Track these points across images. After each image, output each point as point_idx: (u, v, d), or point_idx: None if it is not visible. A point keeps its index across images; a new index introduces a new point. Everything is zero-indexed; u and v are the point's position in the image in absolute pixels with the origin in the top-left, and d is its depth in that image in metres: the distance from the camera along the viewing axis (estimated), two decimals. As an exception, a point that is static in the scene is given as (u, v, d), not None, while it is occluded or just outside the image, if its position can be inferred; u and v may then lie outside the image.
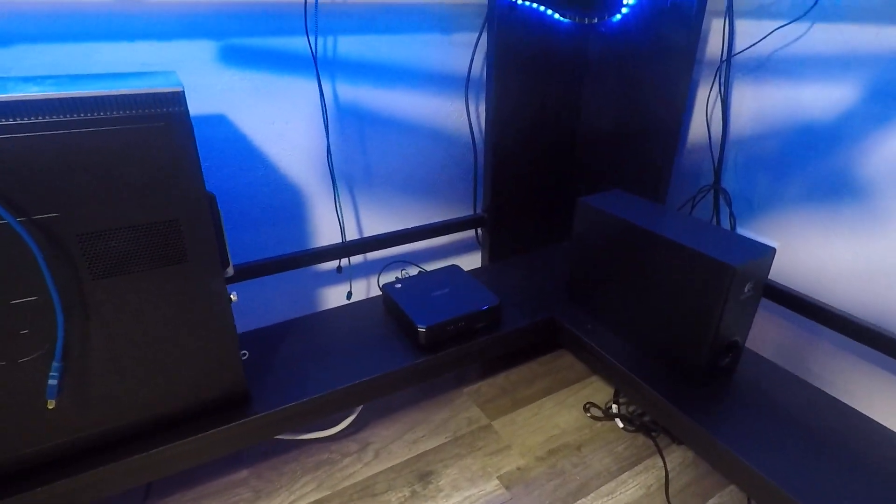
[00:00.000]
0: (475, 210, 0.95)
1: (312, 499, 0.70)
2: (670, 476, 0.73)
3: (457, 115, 0.87)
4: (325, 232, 0.85)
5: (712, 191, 0.83)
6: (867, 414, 0.62)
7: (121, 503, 0.68)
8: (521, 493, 0.71)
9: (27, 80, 0.48)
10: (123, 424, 0.54)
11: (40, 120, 0.40)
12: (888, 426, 0.61)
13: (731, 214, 0.82)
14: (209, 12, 0.66)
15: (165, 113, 0.44)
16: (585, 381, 0.90)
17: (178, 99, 0.44)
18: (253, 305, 0.82)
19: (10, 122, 0.40)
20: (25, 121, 0.40)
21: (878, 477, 0.54)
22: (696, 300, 0.61)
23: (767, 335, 0.80)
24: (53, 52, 0.60)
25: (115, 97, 0.42)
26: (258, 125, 0.74)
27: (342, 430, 0.77)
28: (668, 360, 0.68)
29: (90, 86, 0.43)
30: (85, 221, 0.44)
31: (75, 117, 0.41)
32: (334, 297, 0.90)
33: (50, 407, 0.46)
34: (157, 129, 0.44)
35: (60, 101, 0.41)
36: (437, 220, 0.90)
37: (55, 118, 0.41)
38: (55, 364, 0.46)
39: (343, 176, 0.83)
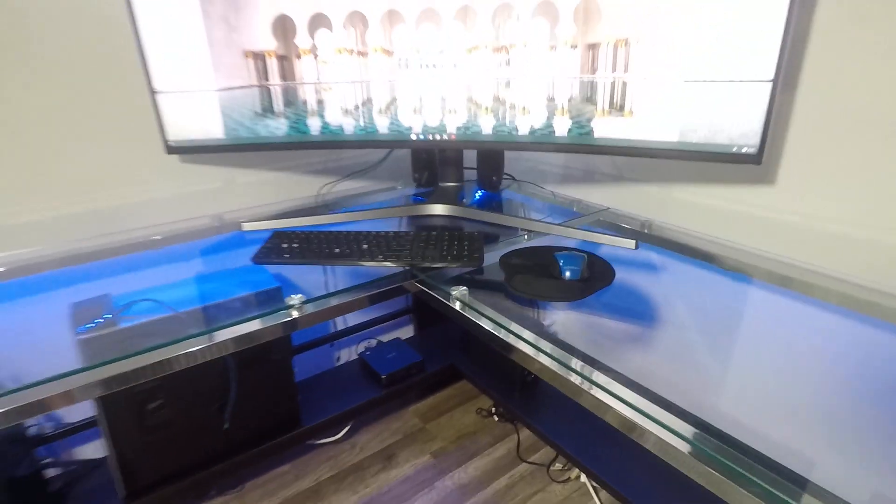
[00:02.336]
0: (408, 304, 1.61)
1: (328, 475, 1.31)
2: (521, 441, 1.40)
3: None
4: (323, 325, 1.48)
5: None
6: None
7: (225, 490, 1.26)
8: (442, 460, 1.35)
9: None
10: (249, 435, 1.14)
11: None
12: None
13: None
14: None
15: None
16: (478, 397, 1.57)
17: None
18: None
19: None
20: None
21: (618, 443, 1.23)
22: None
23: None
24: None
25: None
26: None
27: (341, 436, 1.39)
28: (508, 380, 1.36)
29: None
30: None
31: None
32: (329, 362, 1.52)
33: (226, 427, 1.07)
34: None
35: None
36: (386, 313, 1.55)
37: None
38: (228, 411, 1.06)
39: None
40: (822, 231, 0.84)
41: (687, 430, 0.51)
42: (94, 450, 1.15)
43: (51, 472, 1.09)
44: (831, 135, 0.79)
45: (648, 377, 0.60)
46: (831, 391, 0.62)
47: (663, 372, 0.66)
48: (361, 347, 1.54)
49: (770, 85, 0.73)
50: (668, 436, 0.51)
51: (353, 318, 1.51)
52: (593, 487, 1.23)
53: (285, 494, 1.25)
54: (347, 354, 1.54)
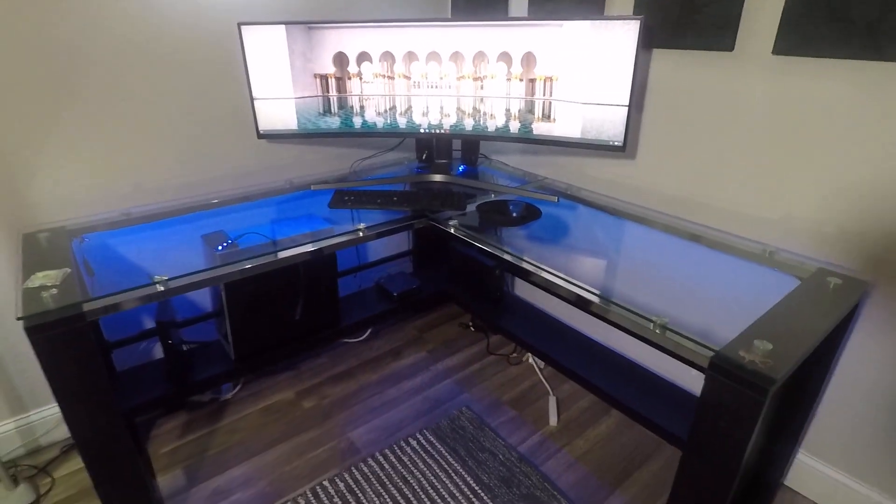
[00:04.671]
0: (409, 247, 2.19)
1: (356, 364, 1.90)
2: (490, 343, 2.01)
3: (399, 209, 2.11)
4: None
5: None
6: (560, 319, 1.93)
7: (286, 369, 1.84)
8: (434, 353, 1.95)
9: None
10: (309, 328, 1.71)
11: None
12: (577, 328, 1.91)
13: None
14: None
15: (328, 235, 1.64)
16: (460, 316, 2.17)
17: (330, 231, 1.64)
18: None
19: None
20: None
21: (553, 335, 1.84)
22: (488, 273, 1.88)
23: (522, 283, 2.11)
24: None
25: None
26: (325, 223, 1.93)
27: (364, 338, 1.97)
28: (481, 299, 1.95)
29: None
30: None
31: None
32: (353, 288, 2.09)
33: (297, 318, 1.64)
34: (325, 239, 1.64)
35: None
36: (392, 253, 2.13)
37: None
38: (299, 307, 1.63)
39: (355, 238, 2.03)
40: (660, 191, 1.45)
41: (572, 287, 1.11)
42: (202, 336, 1.71)
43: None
44: (665, 135, 1.39)
45: (550, 262, 1.20)
46: (653, 270, 1.23)
47: (559, 260, 1.25)
48: (375, 278, 2.12)
49: (626, 108, 1.32)
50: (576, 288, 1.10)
51: (371, 255, 2.09)
52: (537, 365, 1.85)
53: (327, 374, 1.85)
54: (368, 282, 2.12)
